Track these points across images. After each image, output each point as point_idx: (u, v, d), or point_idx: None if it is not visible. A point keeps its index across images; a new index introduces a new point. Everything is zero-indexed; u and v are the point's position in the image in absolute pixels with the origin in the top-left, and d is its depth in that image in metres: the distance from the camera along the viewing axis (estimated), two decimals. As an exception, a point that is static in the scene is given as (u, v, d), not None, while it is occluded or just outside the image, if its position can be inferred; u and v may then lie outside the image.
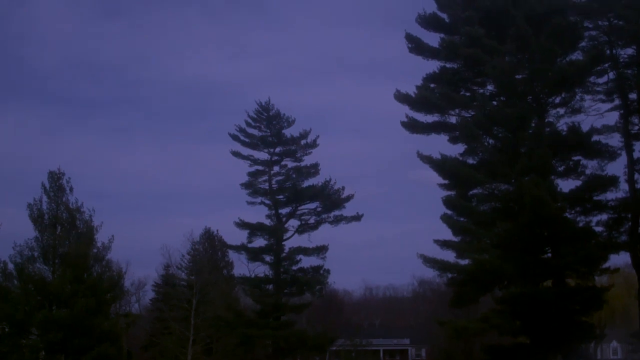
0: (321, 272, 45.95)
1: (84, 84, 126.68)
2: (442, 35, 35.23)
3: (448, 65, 35.55)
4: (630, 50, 34.66)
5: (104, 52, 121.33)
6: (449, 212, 33.65)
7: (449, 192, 34.26)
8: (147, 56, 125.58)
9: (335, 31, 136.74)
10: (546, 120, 33.85)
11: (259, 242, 46.30)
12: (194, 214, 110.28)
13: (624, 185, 33.14)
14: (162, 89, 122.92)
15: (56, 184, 38.83)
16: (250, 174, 46.75)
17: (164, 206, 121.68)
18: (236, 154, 46.56)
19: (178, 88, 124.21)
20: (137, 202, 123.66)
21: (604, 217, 33.38)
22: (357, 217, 46.11)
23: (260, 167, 47.03)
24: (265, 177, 46.91)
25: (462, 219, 33.69)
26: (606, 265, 32.88)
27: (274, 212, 46.67)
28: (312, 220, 46.86)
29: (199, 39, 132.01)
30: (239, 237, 49.23)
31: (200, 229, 67.47)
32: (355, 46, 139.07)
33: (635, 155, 33.71)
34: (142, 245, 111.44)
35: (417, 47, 35.67)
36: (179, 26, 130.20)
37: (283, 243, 46.15)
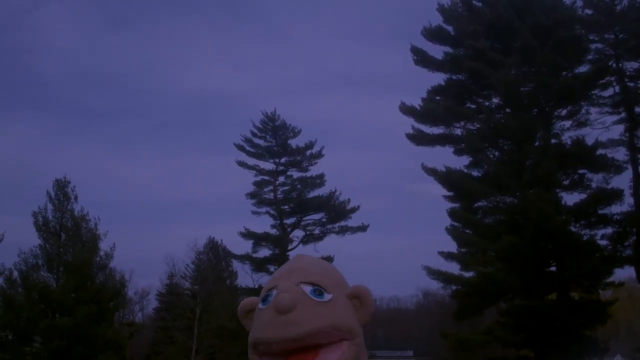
0: (325, 282, 45.98)
1: (88, 93, 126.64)
2: (447, 47, 35.37)
3: (453, 77, 35.62)
4: (636, 64, 34.72)
5: (109, 62, 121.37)
6: (454, 224, 33.67)
7: (453, 204, 34.28)
8: (151, 67, 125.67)
9: (338, 44, 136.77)
10: (552, 132, 33.86)
11: (264, 252, 46.43)
12: (198, 224, 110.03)
13: (629, 199, 33.15)
14: (166, 99, 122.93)
15: (62, 192, 38.94)
16: (255, 183, 46.93)
17: (168, 216, 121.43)
18: (242, 164, 46.71)
19: (182, 98, 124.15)
20: (141, 212, 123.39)
21: (609, 230, 33.34)
22: (363, 228, 46.16)
23: (265, 177, 47.19)
24: (270, 187, 47.04)
25: (467, 231, 33.69)
26: (611, 279, 32.87)
27: (279, 222, 46.73)
28: (317, 231, 46.98)
29: (202, 50, 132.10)
30: (243, 247, 49.25)
31: (205, 238, 67.50)
32: (357, 59, 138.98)
33: (641, 168, 33.71)
34: (145, 254, 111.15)
35: (422, 59, 35.77)
36: (182, 37, 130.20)
37: (287, 253, 46.17)
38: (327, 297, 2.23)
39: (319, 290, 2.23)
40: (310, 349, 2.17)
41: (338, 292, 2.30)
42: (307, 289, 2.22)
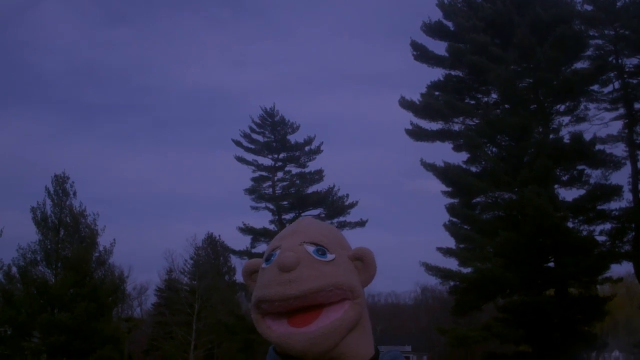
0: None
1: (88, 89, 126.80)
2: (447, 43, 35.30)
3: (453, 73, 35.61)
4: (635, 60, 34.62)
5: (109, 59, 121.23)
6: (452, 220, 33.66)
7: (452, 200, 34.29)
8: (151, 63, 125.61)
9: (338, 42, 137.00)
10: (550, 128, 33.85)
11: (262, 247, 46.34)
12: (196, 220, 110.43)
13: (627, 195, 33.14)
14: (166, 95, 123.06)
15: (60, 188, 38.99)
16: (254, 179, 46.89)
17: (167, 212, 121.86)
18: (240, 159, 46.68)
19: (182, 95, 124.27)
20: (140, 208, 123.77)
21: (608, 226, 33.36)
22: (362, 223, 46.16)
23: (264, 173, 47.17)
24: (269, 183, 47.02)
25: (465, 227, 33.68)
26: (609, 275, 32.90)
27: (277, 217, 46.71)
28: (315, 227, 46.88)
29: (202, 47, 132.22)
30: (241, 243, 49.37)
31: (203, 234, 67.65)
32: (356, 56, 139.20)
33: (640, 165, 33.71)
34: (144, 250, 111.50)
35: (422, 54, 35.74)
36: (183, 34, 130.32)
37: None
38: (330, 257, 2.24)
39: (321, 250, 2.24)
40: (312, 309, 2.18)
41: (341, 253, 2.31)
42: (310, 248, 2.24)
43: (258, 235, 46.01)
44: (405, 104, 35.04)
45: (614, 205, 33.13)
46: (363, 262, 2.36)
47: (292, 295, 2.14)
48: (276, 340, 2.19)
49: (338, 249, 2.32)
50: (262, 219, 47.20)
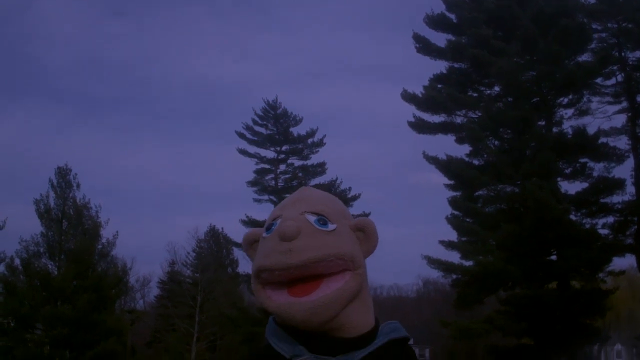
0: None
1: (90, 82, 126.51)
2: (449, 35, 35.24)
3: (455, 65, 35.51)
4: (638, 53, 34.62)
5: (111, 51, 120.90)
6: (454, 212, 33.63)
7: (454, 193, 34.26)
8: (153, 56, 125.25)
9: (341, 34, 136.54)
10: (553, 121, 33.80)
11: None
12: (199, 213, 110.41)
13: (630, 188, 33.09)
14: (169, 88, 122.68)
15: (63, 180, 39.02)
16: (256, 171, 46.82)
17: (170, 204, 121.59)
18: (243, 151, 46.63)
19: (184, 88, 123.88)
20: (143, 200, 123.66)
21: (610, 219, 33.32)
22: (364, 216, 45.99)
23: (266, 165, 47.11)
24: (271, 175, 46.98)
25: (467, 220, 33.66)
26: (611, 268, 32.87)
27: (279, 210, 46.68)
28: (318, 219, 46.86)
29: (205, 40, 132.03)
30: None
31: (206, 227, 67.59)
32: (360, 50, 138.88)
33: (643, 158, 33.64)
34: (147, 242, 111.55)
35: (424, 47, 35.64)
36: (185, 26, 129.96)
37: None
38: (331, 226, 2.23)
39: (323, 220, 2.24)
40: (313, 279, 2.16)
41: (342, 223, 2.30)
42: (312, 218, 2.23)
43: (260, 227, 46.00)
44: (408, 96, 34.99)
45: (617, 198, 33.13)
46: (365, 233, 2.37)
47: (292, 265, 2.12)
48: (276, 309, 2.18)
49: (340, 219, 2.32)
50: (265, 212, 47.06)
